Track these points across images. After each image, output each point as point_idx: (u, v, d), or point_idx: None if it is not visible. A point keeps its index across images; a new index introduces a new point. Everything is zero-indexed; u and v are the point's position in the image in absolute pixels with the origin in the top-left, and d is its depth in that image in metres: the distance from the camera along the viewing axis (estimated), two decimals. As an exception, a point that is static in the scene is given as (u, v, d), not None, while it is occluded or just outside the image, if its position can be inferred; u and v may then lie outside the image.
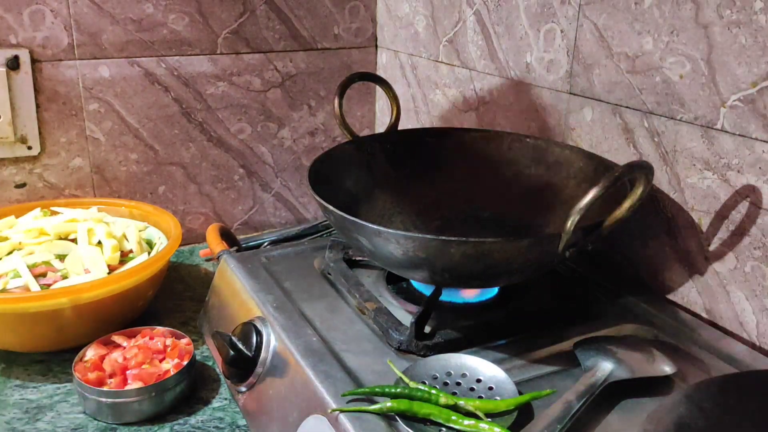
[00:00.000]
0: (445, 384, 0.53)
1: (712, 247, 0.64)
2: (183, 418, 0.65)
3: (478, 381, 0.53)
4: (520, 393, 0.51)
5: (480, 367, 0.54)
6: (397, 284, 0.70)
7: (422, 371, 0.54)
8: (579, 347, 0.58)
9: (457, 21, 0.93)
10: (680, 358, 0.58)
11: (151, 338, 0.71)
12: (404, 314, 0.64)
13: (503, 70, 0.87)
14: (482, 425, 0.47)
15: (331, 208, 0.60)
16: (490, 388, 0.52)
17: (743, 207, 0.61)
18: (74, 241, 0.81)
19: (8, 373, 0.72)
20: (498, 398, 0.51)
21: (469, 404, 0.49)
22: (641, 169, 0.54)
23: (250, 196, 1.09)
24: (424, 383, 0.52)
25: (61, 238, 0.81)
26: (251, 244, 0.98)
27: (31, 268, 0.75)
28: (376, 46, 1.12)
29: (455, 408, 0.49)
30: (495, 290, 0.68)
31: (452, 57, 0.95)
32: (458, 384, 0.53)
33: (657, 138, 0.68)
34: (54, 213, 0.87)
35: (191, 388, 0.69)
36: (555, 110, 0.80)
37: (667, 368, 0.55)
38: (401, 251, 0.56)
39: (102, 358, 0.68)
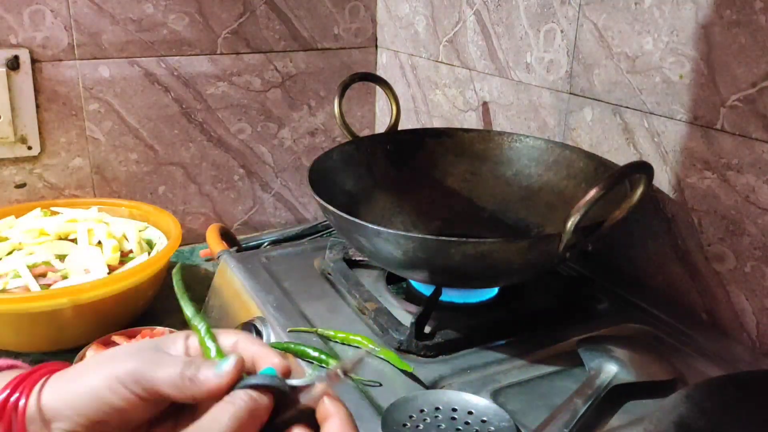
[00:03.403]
0: (436, 417, 0.50)
1: (712, 247, 0.64)
2: (183, 418, 0.65)
3: (470, 413, 0.50)
4: (514, 421, 0.49)
5: (467, 399, 0.51)
6: (397, 284, 0.70)
7: (409, 407, 0.50)
8: (583, 347, 0.57)
9: (457, 21, 0.93)
10: (680, 359, 0.58)
11: (151, 338, 0.71)
12: (404, 314, 0.64)
13: (503, 70, 0.87)
14: None
15: (331, 208, 0.60)
16: (483, 421, 0.49)
17: (743, 207, 0.61)
18: (74, 241, 0.81)
19: (8, 373, 0.72)
20: (493, 429, 0.48)
21: None
22: (641, 170, 0.54)
23: (250, 196, 1.09)
24: (411, 417, 0.49)
25: (61, 238, 0.81)
26: (251, 244, 0.97)
27: (31, 268, 0.74)
28: (376, 46, 1.12)
29: None
30: (495, 290, 0.68)
31: (452, 57, 0.95)
32: (453, 419, 0.50)
33: (657, 138, 0.68)
34: (54, 213, 0.87)
35: (191, 388, 0.69)
36: (555, 110, 0.80)
37: (671, 371, 0.55)
38: (401, 252, 0.56)
39: (102, 358, 0.68)
